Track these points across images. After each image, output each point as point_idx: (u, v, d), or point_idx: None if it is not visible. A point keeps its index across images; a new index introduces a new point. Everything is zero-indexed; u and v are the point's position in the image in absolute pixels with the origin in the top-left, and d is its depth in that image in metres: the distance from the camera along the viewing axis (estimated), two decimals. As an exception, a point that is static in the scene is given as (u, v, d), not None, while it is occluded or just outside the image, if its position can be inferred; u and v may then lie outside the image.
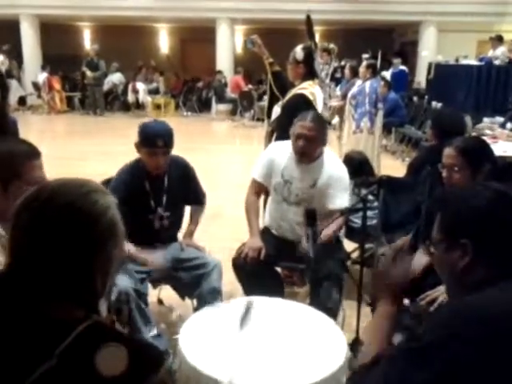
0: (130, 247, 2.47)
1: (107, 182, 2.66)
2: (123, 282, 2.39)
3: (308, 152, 2.74)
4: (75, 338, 0.91)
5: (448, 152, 2.41)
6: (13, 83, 12.22)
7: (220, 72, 13.53)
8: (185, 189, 2.75)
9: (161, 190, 2.65)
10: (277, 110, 3.90)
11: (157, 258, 2.61)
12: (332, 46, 6.15)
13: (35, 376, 0.88)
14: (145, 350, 0.99)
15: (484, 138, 4.89)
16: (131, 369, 0.91)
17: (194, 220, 2.93)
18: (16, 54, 14.29)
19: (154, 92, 13.63)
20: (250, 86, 13.02)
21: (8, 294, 0.98)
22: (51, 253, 0.97)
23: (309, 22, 4.12)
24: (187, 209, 2.92)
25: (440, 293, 2.14)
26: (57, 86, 13.25)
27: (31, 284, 0.97)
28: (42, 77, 13.20)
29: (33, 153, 1.62)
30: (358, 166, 3.69)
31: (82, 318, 0.96)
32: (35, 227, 0.98)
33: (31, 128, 10.47)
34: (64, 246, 0.98)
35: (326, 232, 2.55)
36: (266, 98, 4.25)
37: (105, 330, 0.98)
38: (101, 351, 0.90)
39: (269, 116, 4.06)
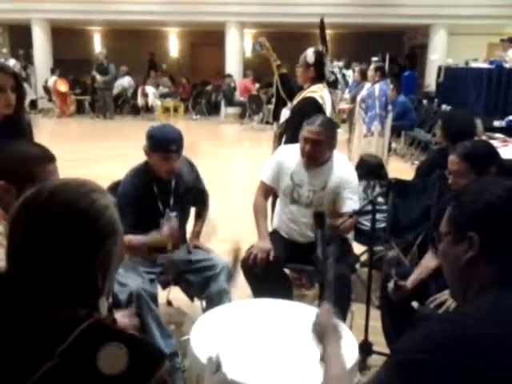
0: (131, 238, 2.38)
1: (117, 185, 2.67)
2: (134, 283, 2.40)
3: (315, 156, 2.75)
4: (77, 337, 0.92)
5: (451, 158, 2.40)
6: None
7: (229, 76, 13.57)
8: (190, 188, 2.75)
9: (168, 192, 2.65)
10: (285, 113, 3.91)
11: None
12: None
13: (38, 375, 0.89)
14: (145, 348, 0.99)
15: (494, 141, 4.86)
16: (132, 367, 0.92)
17: (199, 220, 2.94)
18: (28, 58, 14.44)
19: (163, 96, 13.68)
20: (257, 85, 13.03)
21: (9, 294, 0.98)
22: (50, 252, 0.97)
23: (322, 26, 4.13)
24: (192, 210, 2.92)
25: (448, 296, 2.13)
26: (63, 88, 13.18)
27: (31, 283, 0.97)
28: (52, 80, 13.29)
29: (47, 157, 1.60)
30: (372, 169, 3.68)
31: (83, 316, 0.96)
32: (34, 226, 0.98)
33: (42, 131, 10.54)
34: (63, 246, 0.98)
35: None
36: (273, 100, 4.26)
37: (106, 328, 0.98)
38: (102, 350, 0.91)
39: (275, 118, 4.07)
